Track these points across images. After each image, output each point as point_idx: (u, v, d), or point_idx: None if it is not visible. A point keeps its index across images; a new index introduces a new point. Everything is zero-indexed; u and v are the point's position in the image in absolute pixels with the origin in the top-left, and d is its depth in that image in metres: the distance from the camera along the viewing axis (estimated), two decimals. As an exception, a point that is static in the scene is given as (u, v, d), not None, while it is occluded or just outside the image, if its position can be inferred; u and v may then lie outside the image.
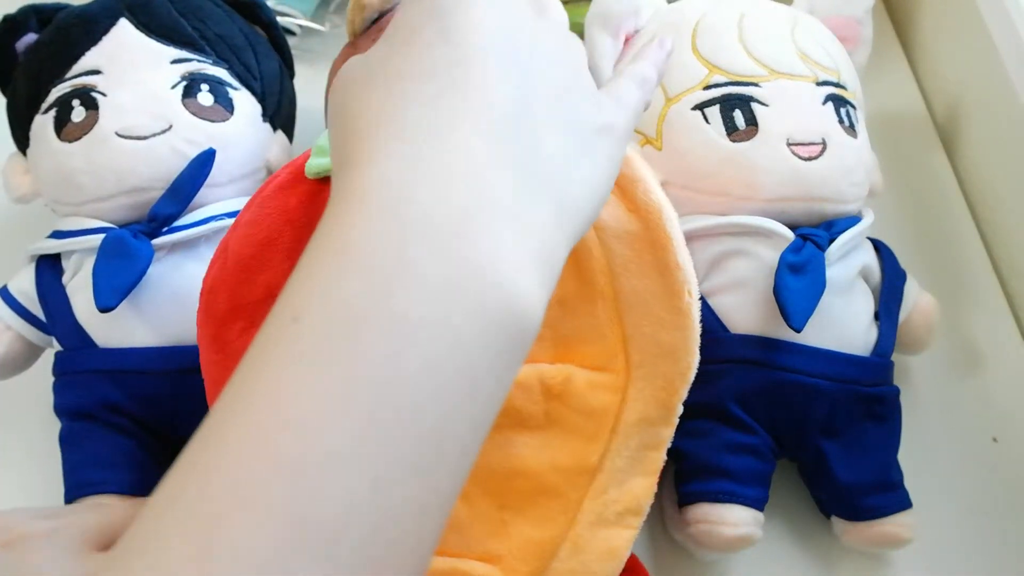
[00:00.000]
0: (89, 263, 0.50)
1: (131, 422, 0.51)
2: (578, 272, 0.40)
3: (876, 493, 0.51)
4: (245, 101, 0.56)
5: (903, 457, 0.53)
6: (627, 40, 0.59)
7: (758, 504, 0.50)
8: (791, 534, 0.55)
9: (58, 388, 0.53)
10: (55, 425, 0.53)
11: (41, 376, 0.53)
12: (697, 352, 0.41)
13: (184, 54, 0.55)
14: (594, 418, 0.41)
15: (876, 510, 0.50)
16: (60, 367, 0.52)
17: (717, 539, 0.48)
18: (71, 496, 0.50)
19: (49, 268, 0.53)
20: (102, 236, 0.50)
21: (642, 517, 0.42)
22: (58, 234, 0.53)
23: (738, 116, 0.53)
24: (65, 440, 0.52)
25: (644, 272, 0.39)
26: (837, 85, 0.55)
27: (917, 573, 0.54)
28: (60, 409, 0.53)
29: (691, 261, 0.40)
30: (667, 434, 0.42)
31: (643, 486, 0.42)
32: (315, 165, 0.43)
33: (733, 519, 0.48)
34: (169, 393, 0.50)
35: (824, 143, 0.53)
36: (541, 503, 0.41)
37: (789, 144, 0.52)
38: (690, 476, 0.50)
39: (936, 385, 0.61)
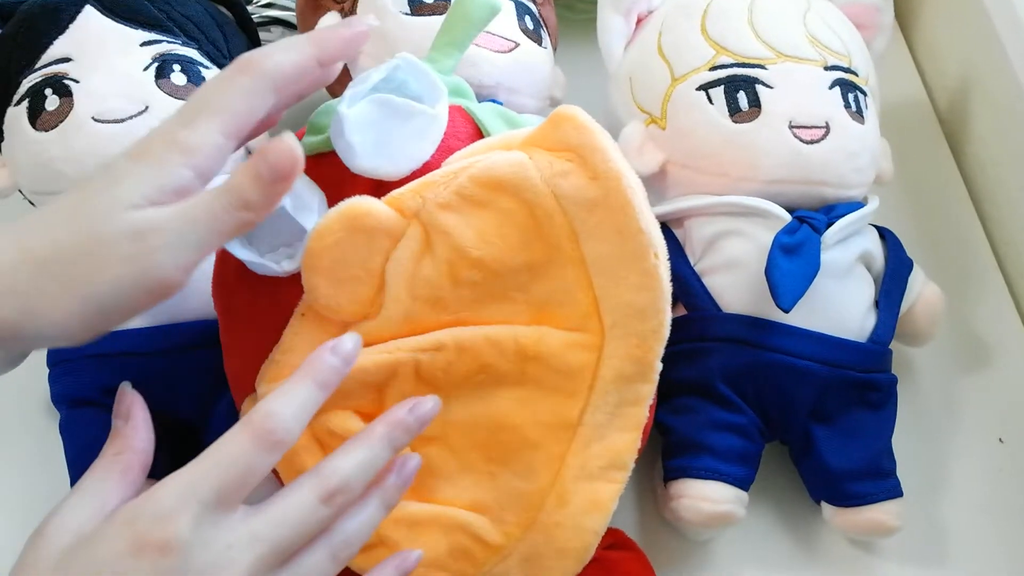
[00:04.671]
0: None
1: None
2: (543, 238, 0.40)
3: (865, 480, 0.51)
4: None
5: (905, 452, 0.53)
6: (639, 21, 0.60)
7: (741, 483, 0.50)
8: (782, 518, 0.55)
9: (54, 377, 0.53)
10: (54, 416, 0.54)
11: (36, 370, 0.54)
12: (668, 311, 0.41)
13: (153, 36, 0.55)
14: (571, 376, 0.41)
15: (863, 497, 0.50)
16: (54, 356, 0.53)
17: (697, 514, 0.49)
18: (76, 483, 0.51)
19: None
20: None
21: (626, 472, 0.43)
22: None
23: (742, 97, 0.53)
24: (66, 429, 0.52)
25: (608, 237, 0.40)
26: (847, 70, 0.55)
27: (913, 567, 0.53)
28: (58, 398, 0.53)
29: (656, 224, 0.40)
30: (646, 391, 0.42)
31: (625, 441, 0.42)
32: (309, 143, 0.44)
33: (714, 496, 0.49)
34: (167, 372, 0.51)
35: (827, 127, 0.53)
36: (525, 456, 0.42)
37: (791, 127, 0.52)
38: (675, 452, 0.51)
39: (941, 380, 0.60)
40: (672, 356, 0.42)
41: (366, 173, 0.40)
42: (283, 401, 0.36)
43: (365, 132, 0.40)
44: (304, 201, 0.41)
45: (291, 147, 0.36)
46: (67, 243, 0.35)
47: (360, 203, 0.40)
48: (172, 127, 0.36)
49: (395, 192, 0.41)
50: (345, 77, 0.60)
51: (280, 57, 0.37)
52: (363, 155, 0.40)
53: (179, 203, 0.35)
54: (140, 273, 0.35)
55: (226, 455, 0.35)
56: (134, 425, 0.39)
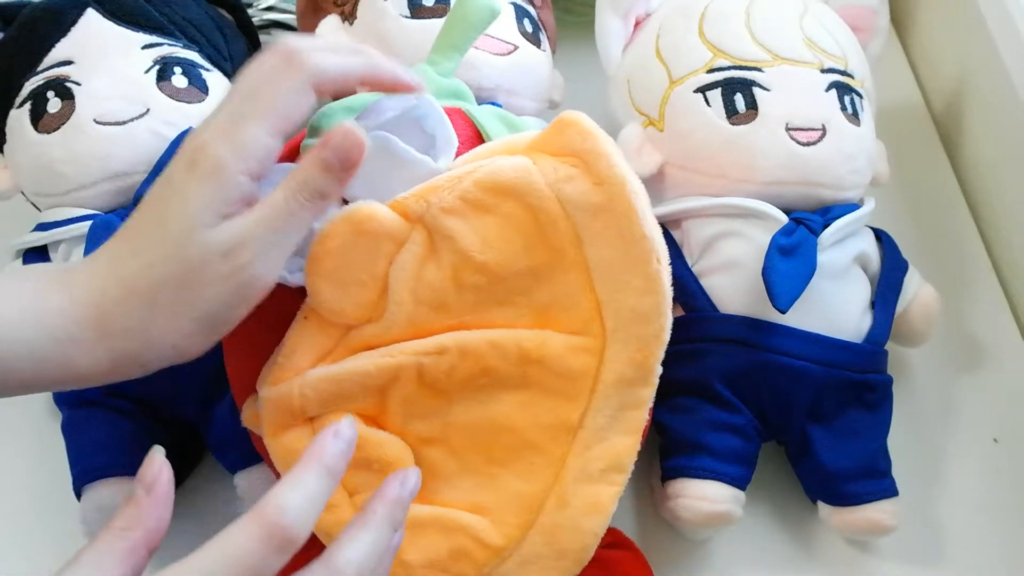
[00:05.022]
0: (78, 251, 0.51)
1: (132, 404, 0.51)
2: (547, 242, 0.41)
3: (860, 479, 0.51)
4: (218, 82, 0.57)
5: (901, 451, 0.53)
6: (637, 23, 0.60)
7: (739, 483, 0.50)
8: (779, 517, 0.55)
9: None
10: (56, 416, 0.54)
11: None
12: (669, 315, 0.41)
13: (154, 39, 0.56)
14: (573, 379, 0.42)
15: (859, 496, 0.51)
16: None
17: (695, 514, 0.49)
18: (79, 483, 0.50)
19: (37, 260, 0.53)
20: (88, 223, 0.51)
21: (626, 475, 0.43)
22: (43, 226, 0.53)
23: (739, 100, 0.53)
24: (68, 428, 0.53)
25: (611, 242, 0.40)
26: (843, 73, 0.55)
27: (908, 567, 0.54)
28: (60, 398, 0.53)
29: (659, 230, 0.41)
30: (646, 394, 0.43)
31: (625, 444, 0.43)
32: (310, 145, 0.44)
33: (712, 495, 0.49)
34: (168, 372, 0.49)
35: (824, 129, 0.53)
36: (526, 458, 0.43)
37: (788, 129, 0.52)
38: (673, 452, 0.51)
39: (936, 381, 0.61)
40: (670, 356, 0.43)
41: (351, 199, 0.41)
42: (295, 495, 0.33)
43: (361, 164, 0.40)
44: (324, 214, 0.41)
45: (353, 131, 0.37)
46: (164, 273, 0.36)
47: (364, 207, 0.40)
48: (224, 126, 0.36)
49: (399, 196, 0.41)
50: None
51: (329, 60, 0.37)
52: (351, 186, 0.40)
53: (253, 211, 0.37)
54: (239, 285, 0.36)
55: (234, 552, 0.32)
56: (155, 500, 0.35)
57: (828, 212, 0.53)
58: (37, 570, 0.53)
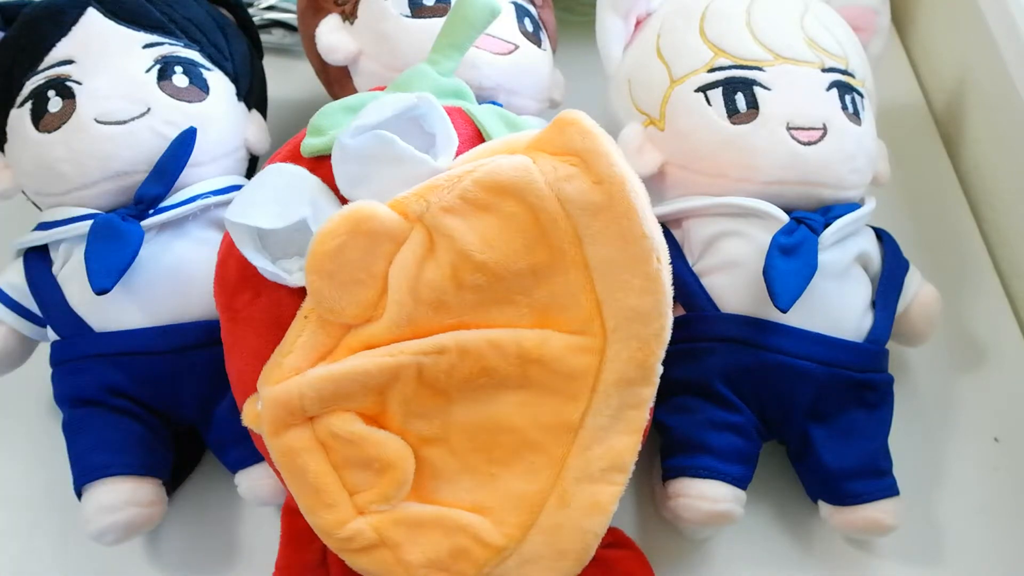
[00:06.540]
0: (79, 250, 0.51)
1: (133, 404, 0.51)
2: (546, 242, 0.41)
3: (861, 478, 0.51)
4: (219, 81, 0.57)
5: (902, 451, 0.53)
6: (638, 23, 0.60)
7: (739, 482, 0.50)
8: (780, 517, 0.55)
9: (57, 377, 0.53)
10: (57, 416, 0.54)
11: (39, 370, 0.54)
12: (670, 314, 0.42)
13: (155, 38, 0.56)
14: (574, 379, 0.42)
15: (860, 495, 0.51)
16: (58, 355, 0.53)
17: (695, 513, 0.49)
18: (80, 482, 0.50)
19: (38, 260, 0.53)
20: (90, 222, 0.51)
21: (627, 474, 0.43)
22: (44, 225, 0.53)
23: (740, 99, 0.53)
24: (69, 428, 0.52)
25: (611, 241, 0.40)
26: (844, 72, 0.55)
27: (909, 566, 0.54)
28: (61, 398, 0.53)
29: (659, 229, 0.41)
30: (647, 394, 0.43)
31: (626, 444, 0.43)
32: (310, 145, 0.45)
33: (712, 495, 0.49)
34: (169, 371, 0.51)
35: (825, 128, 0.53)
36: (526, 458, 0.43)
37: (789, 128, 0.53)
38: (674, 451, 0.51)
39: (937, 380, 0.61)
40: (670, 356, 0.43)
41: (351, 199, 0.41)
42: None
43: (360, 164, 0.41)
44: (325, 214, 0.41)
45: None
46: None
47: (364, 206, 0.40)
48: None
49: (399, 195, 0.41)
50: (345, 79, 0.60)
51: None
52: (351, 186, 0.40)
53: None
54: None
55: None
56: None
57: (829, 211, 0.53)
58: (38, 570, 0.53)
